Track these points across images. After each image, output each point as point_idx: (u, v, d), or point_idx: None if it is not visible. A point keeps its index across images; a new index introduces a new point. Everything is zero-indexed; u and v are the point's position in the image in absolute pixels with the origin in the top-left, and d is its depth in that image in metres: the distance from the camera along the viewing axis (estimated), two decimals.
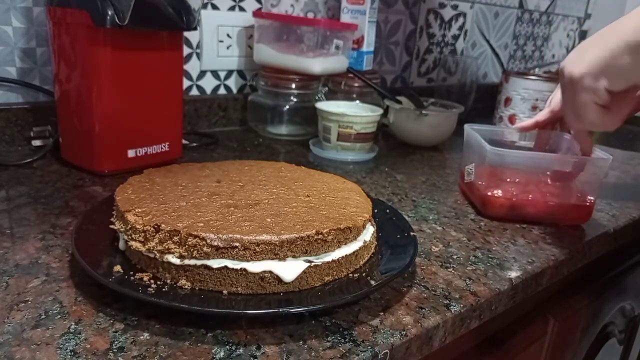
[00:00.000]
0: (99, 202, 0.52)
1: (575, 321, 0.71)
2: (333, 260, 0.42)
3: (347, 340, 0.37)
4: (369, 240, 0.46)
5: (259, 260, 0.39)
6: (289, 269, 0.40)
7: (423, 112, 0.94)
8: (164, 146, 0.72)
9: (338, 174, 0.58)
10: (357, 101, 0.95)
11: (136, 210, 0.42)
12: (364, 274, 0.44)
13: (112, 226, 0.44)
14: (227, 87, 1.00)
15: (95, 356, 0.34)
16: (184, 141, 0.78)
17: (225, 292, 0.39)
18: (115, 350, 0.34)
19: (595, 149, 0.63)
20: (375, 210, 0.51)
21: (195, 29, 0.70)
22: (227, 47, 0.98)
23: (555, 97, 0.66)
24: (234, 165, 0.56)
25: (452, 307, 0.43)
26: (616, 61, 0.48)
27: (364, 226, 0.45)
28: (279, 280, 0.40)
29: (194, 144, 0.85)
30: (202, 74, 0.96)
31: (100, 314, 0.38)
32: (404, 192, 0.71)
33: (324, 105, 0.86)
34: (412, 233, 0.50)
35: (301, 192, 0.49)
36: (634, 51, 0.46)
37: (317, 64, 0.91)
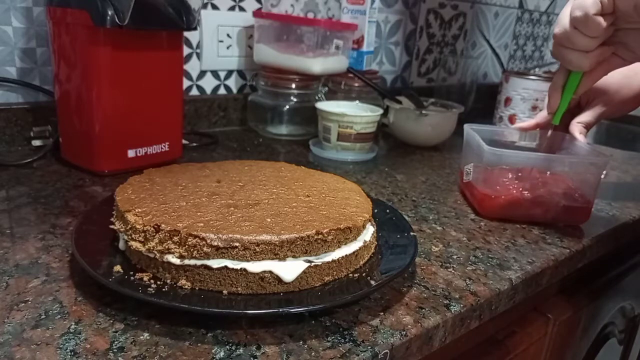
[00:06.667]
0: (99, 202, 0.53)
1: (575, 321, 0.71)
2: (333, 260, 0.42)
3: (347, 340, 0.37)
4: (369, 240, 0.46)
5: (259, 260, 0.39)
6: (289, 269, 0.40)
7: (423, 112, 0.94)
8: (164, 146, 0.72)
9: (338, 174, 0.58)
10: (357, 101, 0.95)
11: (136, 210, 0.42)
12: (364, 274, 0.44)
13: (112, 226, 0.44)
14: (227, 87, 1.00)
15: (95, 356, 0.34)
16: (184, 141, 0.78)
17: (225, 292, 0.39)
18: (115, 350, 0.34)
19: (593, 149, 0.63)
20: (375, 210, 0.51)
21: (195, 29, 0.70)
22: (227, 47, 0.98)
23: None
24: (234, 165, 0.56)
25: (452, 307, 0.43)
26: None
27: (364, 226, 0.45)
28: (279, 280, 0.40)
29: (194, 144, 0.85)
30: (202, 74, 0.96)
31: (100, 314, 0.38)
32: (404, 192, 0.71)
33: (324, 105, 0.86)
34: (412, 233, 0.50)
35: (301, 192, 0.49)
36: None
37: (317, 64, 0.91)
